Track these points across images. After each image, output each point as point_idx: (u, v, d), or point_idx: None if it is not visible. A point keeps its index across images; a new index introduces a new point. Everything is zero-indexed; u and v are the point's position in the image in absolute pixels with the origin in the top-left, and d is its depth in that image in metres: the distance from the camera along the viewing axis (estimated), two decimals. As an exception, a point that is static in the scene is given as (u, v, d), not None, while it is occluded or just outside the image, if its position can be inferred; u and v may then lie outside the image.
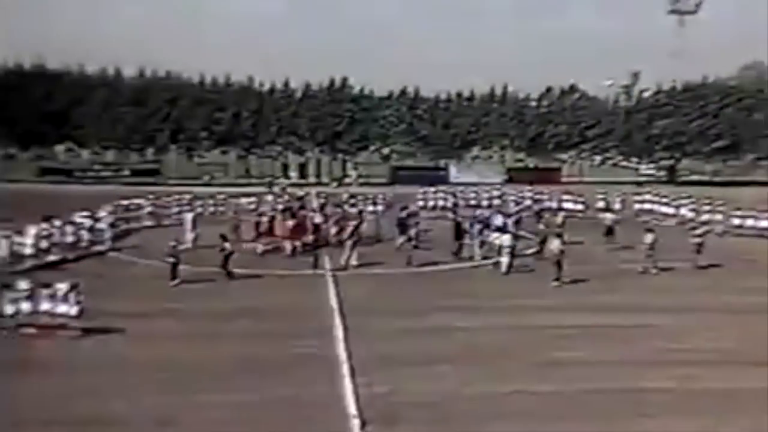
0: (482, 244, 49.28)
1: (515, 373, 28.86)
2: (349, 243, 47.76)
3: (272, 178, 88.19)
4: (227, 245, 44.36)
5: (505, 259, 46.24)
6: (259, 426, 23.90)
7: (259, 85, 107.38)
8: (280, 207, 58.38)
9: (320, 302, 38.71)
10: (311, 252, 48.79)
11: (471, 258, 48.72)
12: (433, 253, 49.11)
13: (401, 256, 48.27)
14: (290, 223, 51.78)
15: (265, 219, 53.65)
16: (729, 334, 34.22)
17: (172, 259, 42.30)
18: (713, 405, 25.91)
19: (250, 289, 41.61)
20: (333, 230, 52.42)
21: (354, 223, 50.80)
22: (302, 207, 59.09)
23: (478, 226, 50.60)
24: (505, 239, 47.16)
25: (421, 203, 67.29)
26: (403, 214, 55.69)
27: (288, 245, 50.58)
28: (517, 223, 54.87)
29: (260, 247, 50.80)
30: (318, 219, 53.68)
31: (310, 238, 50.91)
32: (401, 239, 50.36)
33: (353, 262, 46.86)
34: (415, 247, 48.30)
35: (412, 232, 49.55)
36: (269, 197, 63.86)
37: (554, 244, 45.21)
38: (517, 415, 24.94)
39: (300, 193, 67.36)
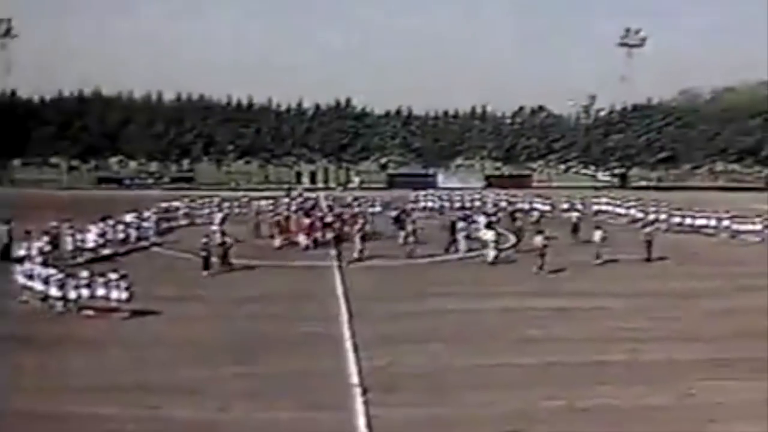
0: (467, 238, 49.44)
1: (498, 349, 29.18)
2: (358, 238, 47.91)
3: (290, 185, 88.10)
4: (228, 239, 44.83)
5: (492, 252, 46.42)
6: (274, 394, 24.15)
7: (276, 106, 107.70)
8: (294, 208, 58.54)
9: (330, 289, 38.96)
10: (325, 246, 49.49)
11: (456, 251, 48.90)
12: (427, 247, 49.23)
13: (399, 249, 48.45)
14: (306, 221, 52.03)
15: (281, 218, 53.93)
16: (672, 314, 34.55)
17: (204, 253, 42.26)
18: (656, 374, 26.26)
19: (270, 277, 41.82)
20: (347, 227, 52.42)
21: (362, 221, 51.34)
22: (313, 207, 59.28)
23: (462, 224, 50.83)
24: (491, 234, 47.40)
25: (413, 205, 67.30)
26: (401, 213, 56.23)
27: (303, 240, 50.62)
28: (497, 222, 55.17)
29: (277, 242, 50.95)
30: (329, 218, 53.85)
31: (321, 234, 51.26)
32: (402, 234, 50.49)
33: (356, 255, 46.95)
34: (416, 241, 48.48)
35: (410, 228, 49.71)
36: (286, 200, 63.87)
37: (537, 239, 45.49)
38: (498, 383, 25.26)
39: (313, 196, 67.38)
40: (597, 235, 46.86)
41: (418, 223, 53.04)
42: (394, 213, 57.26)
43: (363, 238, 48.06)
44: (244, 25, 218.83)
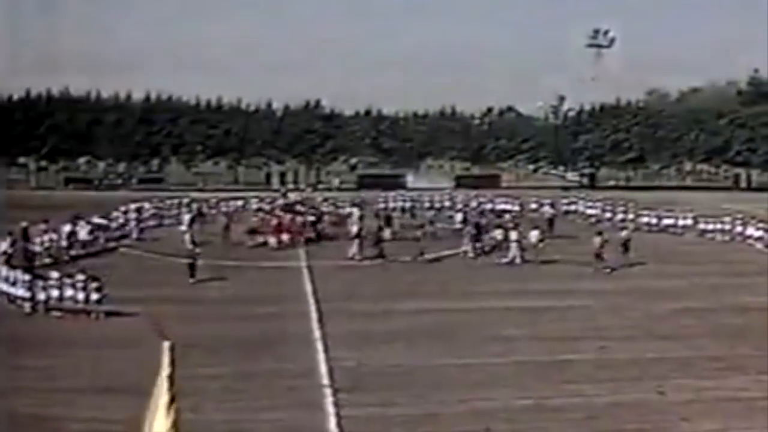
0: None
1: (465, 348, 29.33)
2: (355, 238, 48.18)
3: (283, 187, 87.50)
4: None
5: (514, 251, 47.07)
6: (249, 395, 24.12)
7: (245, 106, 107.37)
8: (268, 207, 58.71)
9: (301, 290, 38.97)
10: (304, 244, 50.32)
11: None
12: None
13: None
14: (287, 220, 52.50)
15: (258, 218, 54.24)
16: (642, 313, 34.89)
17: (189, 260, 41.03)
18: (620, 372, 26.46)
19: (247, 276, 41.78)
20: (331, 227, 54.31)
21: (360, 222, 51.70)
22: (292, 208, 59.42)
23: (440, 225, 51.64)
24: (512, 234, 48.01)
25: (383, 205, 67.20)
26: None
27: (281, 238, 51.14)
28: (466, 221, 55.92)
29: (253, 241, 51.03)
30: (311, 218, 54.66)
31: (303, 233, 51.91)
32: (387, 232, 51.17)
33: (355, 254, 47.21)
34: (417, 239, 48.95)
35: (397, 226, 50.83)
36: (281, 201, 63.72)
37: (533, 234, 46.91)
38: (462, 383, 25.36)
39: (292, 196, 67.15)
40: (597, 241, 46.32)
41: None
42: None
43: (355, 238, 48.30)
44: (212, 25, 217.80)
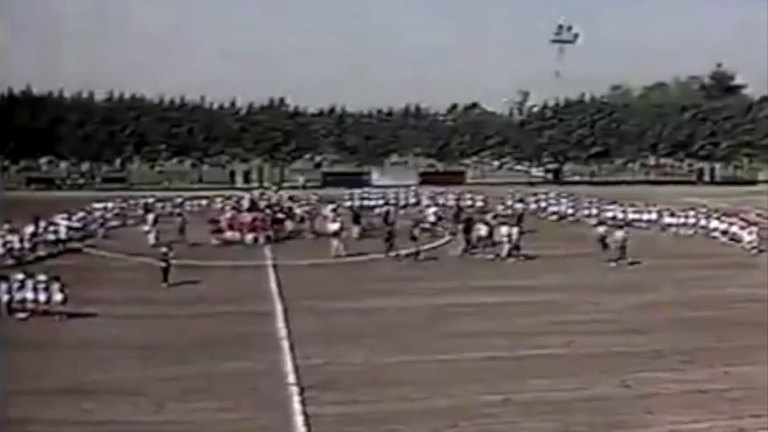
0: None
1: (430, 344, 29.34)
2: (336, 236, 48.16)
3: (263, 186, 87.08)
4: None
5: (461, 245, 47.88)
6: (215, 395, 24.03)
7: (209, 104, 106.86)
8: (238, 205, 58.80)
9: (263, 288, 38.86)
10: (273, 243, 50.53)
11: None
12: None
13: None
14: (252, 219, 52.76)
15: (223, 217, 54.24)
16: (609, 306, 35.10)
17: (163, 264, 39.61)
18: (588, 367, 26.58)
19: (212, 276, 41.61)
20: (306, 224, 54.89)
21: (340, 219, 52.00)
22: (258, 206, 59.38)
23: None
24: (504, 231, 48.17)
25: (348, 203, 67.00)
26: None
27: (246, 237, 51.40)
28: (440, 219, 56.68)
29: (216, 241, 50.90)
30: (277, 215, 54.82)
31: (268, 231, 52.04)
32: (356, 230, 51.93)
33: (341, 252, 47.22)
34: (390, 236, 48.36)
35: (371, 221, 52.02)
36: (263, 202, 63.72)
37: (513, 231, 47.17)
38: (430, 380, 25.39)
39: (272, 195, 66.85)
40: (619, 235, 46.99)
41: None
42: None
43: (336, 235, 48.38)
44: (175, 22, 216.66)
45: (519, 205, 64.51)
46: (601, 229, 48.94)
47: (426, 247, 48.24)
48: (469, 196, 68.78)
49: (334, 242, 47.59)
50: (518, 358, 27.65)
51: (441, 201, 68.32)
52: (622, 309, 34.86)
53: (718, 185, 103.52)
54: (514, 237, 47.10)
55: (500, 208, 64.23)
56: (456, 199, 68.21)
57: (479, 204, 66.91)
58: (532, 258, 46.55)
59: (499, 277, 41.99)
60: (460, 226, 50.11)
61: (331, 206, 58.89)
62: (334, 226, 49.56)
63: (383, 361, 27.30)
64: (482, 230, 48.67)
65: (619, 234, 46.86)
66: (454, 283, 40.28)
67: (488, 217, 53.69)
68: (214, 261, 45.18)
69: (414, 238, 47.65)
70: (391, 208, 61.67)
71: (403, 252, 46.81)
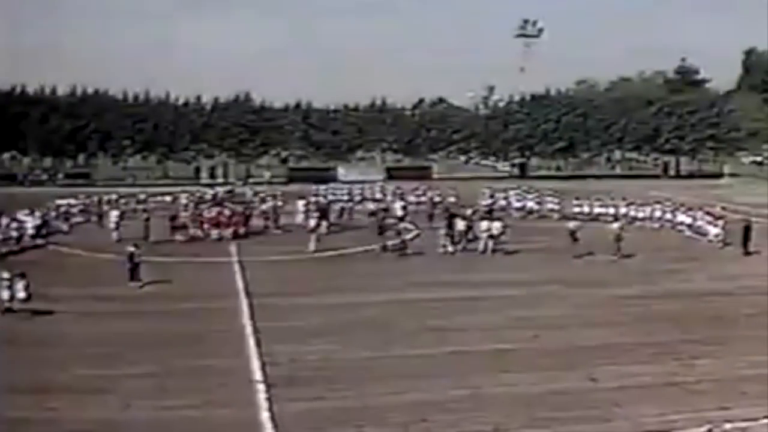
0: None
1: (399, 340, 29.26)
2: (313, 232, 48.19)
3: (228, 183, 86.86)
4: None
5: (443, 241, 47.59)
6: (179, 393, 23.82)
7: (174, 100, 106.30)
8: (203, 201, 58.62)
9: (229, 285, 38.63)
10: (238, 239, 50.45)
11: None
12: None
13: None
14: (218, 215, 52.80)
15: (188, 213, 54.05)
16: (574, 301, 35.16)
17: (129, 264, 38.42)
18: (555, 361, 26.60)
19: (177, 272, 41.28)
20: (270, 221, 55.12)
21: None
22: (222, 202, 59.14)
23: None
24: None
25: (314, 198, 66.69)
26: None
27: (211, 233, 51.37)
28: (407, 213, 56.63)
29: (181, 237, 50.63)
30: (243, 211, 55.14)
31: (234, 227, 51.99)
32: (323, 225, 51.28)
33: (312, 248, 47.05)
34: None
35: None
36: (184, 196, 63.43)
37: (495, 225, 47.64)
38: (398, 375, 25.30)
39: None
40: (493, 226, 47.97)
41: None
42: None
43: (315, 230, 48.54)
44: (141, 17, 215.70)
45: (488, 200, 64.77)
46: (572, 224, 48.97)
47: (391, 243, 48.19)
48: (438, 191, 68.72)
49: (312, 237, 47.57)
50: (486, 353, 27.62)
51: (413, 198, 67.81)
52: (587, 303, 34.93)
53: (684, 179, 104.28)
54: (495, 231, 47.13)
55: (483, 202, 64.29)
56: (422, 194, 68.15)
57: (452, 200, 66.52)
58: (512, 253, 46.90)
59: (482, 272, 42.16)
60: (444, 222, 49.73)
61: (302, 201, 58.73)
62: (311, 222, 49.62)
63: (350, 356, 27.21)
64: (460, 225, 48.56)
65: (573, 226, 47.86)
66: (426, 278, 40.24)
67: (468, 212, 53.49)
68: (179, 258, 44.85)
69: (382, 233, 47.69)
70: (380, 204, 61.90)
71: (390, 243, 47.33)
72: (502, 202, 66.42)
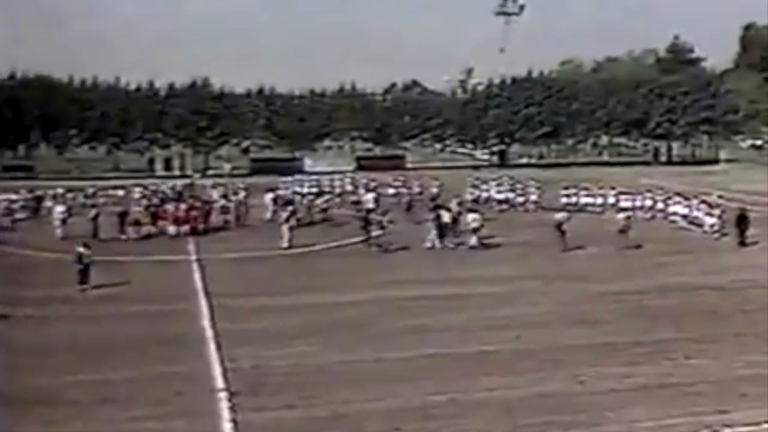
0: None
1: (373, 342, 29.25)
2: (285, 226, 48.16)
3: (185, 176, 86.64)
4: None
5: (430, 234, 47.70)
6: (139, 402, 23.70)
7: (125, 85, 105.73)
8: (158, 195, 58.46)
9: (187, 285, 38.53)
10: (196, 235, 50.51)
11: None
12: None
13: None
14: (174, 210, 52.83)
15: (141, 208, 54.04)
16: (561, 298, 35.29)
17: (80, 266, 37.72)
18: (539, 362, 26.67)
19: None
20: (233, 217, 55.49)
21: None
22: (173, 198, 58.96)
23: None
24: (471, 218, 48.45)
25: (281, 192, 66.57)
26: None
27: (168, 229, 51.39)
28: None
29: (134, 234, 50.46)
30: (201, 206, 55.19)
31: (191, 223, 52.03)
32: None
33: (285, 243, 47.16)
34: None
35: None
36: (137, 190, 63.25)
37: (471, 217, 47.86)
38: (372, 380, 25.27)
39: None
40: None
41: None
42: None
43: (286, 222, 48.64)
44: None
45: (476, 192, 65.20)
46: (559, 216, 49.10)
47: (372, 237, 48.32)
48: (419, 182, 68.75)
49: (285, 233, 47.64)
50: (467, 355, 27.63)
51: (391, 190, 67.72)
52: (576, 299, 35.05)
53: (676, 165, 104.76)
54: (475, 224, 47.29)
55: (468, 195, 64.39)
56: (401, 185, 68.20)
57: (434, 190, 66.38)
58: (497, 246, 47.30)
59: (467, 267, 42.22)
60: (431, 215, 49.62)
61: (270, 195, 58.60)
62: (282, 216, 49.71)
63: (320, 361, 27.09)
64: (445, 217, 48.54)
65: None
66: (402, 275, 40.30)
67: (453, 203, 53.49)
68: (132, 256, 44.68)
69: (365, 227, 47.93)
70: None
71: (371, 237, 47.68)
72: (485, 194, 66.62)
